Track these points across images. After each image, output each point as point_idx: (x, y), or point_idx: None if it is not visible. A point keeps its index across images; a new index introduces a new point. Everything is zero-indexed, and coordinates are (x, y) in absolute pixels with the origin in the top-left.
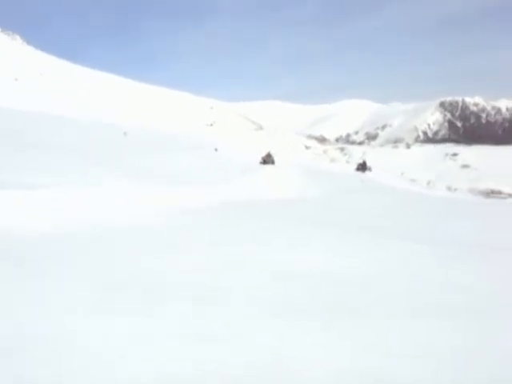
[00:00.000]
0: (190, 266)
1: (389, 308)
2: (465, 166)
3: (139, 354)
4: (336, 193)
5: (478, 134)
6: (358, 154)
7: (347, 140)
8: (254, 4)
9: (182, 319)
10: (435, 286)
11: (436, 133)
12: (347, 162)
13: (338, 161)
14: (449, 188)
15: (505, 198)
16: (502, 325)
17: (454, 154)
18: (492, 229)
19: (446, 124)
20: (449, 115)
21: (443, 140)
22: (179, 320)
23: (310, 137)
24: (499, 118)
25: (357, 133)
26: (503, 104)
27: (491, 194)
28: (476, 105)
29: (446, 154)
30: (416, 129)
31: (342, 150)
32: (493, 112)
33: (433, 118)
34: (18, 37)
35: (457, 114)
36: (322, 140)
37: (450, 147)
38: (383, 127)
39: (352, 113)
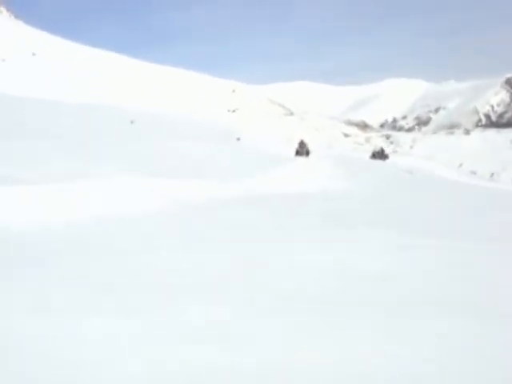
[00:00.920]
0: (190, 265)
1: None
2: None
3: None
4: (378, 188)
5: None
6: (406, 142)
7: (393, 126)
8: None
9: (172, 320)
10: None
11: (501, 115)
12: (394, 151)
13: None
14: None
15: None
16: None
17: None
18: None
19: None
20: None
21: (510, 124)
22: (173, 320)
23: (350, 123)
24: None
25: (405, 117)
26: None
27: None
28: None
29: None
30: (476, 111)
31: (387, 137)
32: None
33: (497, 99)
34: (3, 9)
35: None
36: (363, 126)
37: None
38: (436, 110)
39: (399, 94)
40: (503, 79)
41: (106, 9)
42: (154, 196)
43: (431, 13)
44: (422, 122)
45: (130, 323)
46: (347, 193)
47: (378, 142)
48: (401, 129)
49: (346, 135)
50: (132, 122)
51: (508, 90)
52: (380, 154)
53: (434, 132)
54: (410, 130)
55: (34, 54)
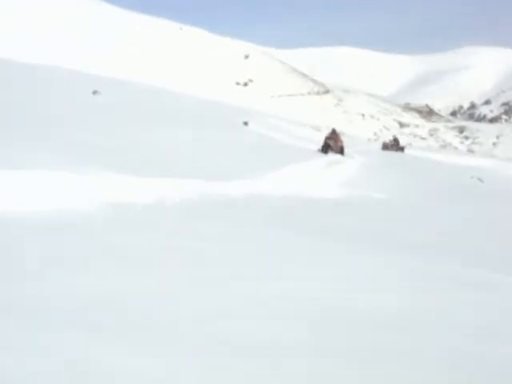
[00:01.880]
0: (122, 288)
1: None
2: None
3: None
4: (424, 199)
5: None
6: (488, 137)
7: (471, 114)
8: None
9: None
10: None
11: None
12: (470, 150)
13: (452, 147)
14: None
15: None
16: None
17: None
18: None
19: None
20: None
21: None
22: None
23: (408, 107)
24: None
25: (488, 102)
26: None
27: None
28: None
29: None
30: None
31: (460, 130)
32: None
33: None
34: None
35: None
36: (427, 113)
37: None
38: None
39: (480, 69)
40: None
41: None
42: (74, 195)
43: None
44: None
45: None
46: (370, 203)
47: (448, 137)
48: (482, 118)
49: (403, 125)
50: (95, 93)
51: None
52: (394, 146)
53: None
54: (494, 120)
55: None
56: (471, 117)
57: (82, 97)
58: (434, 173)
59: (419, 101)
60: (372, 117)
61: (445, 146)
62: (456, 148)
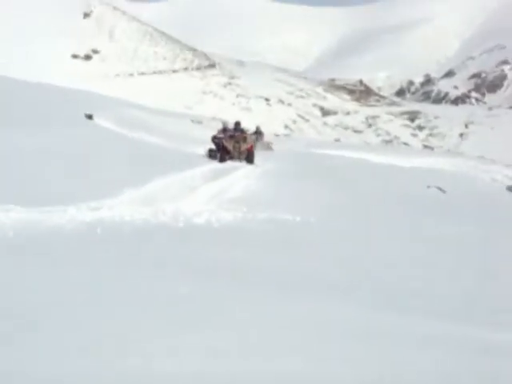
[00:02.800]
0: None
1: None
2: None
3: None
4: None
5: None
6: (453, 125)
7: (426, 93)
8: None
9: None
10: None
11: None
12: (426, 146)
13: (399, 143)
14: None
15: None
16: None
17: None
18: None
19: None
20: None
21: None
22: None
23: (334, 85)
24: None
25: (450, 74)
26: None
27: None
28: None
29: None
30: None
31: (411, 117)
32: None
33: None
34: None
35: None
36: (362, 93)
37: None
38: None
39: (438, 24)
40: None
41: None
42: None
43: None
44: (487, 85)
45: None
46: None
47: (394, 128)
48: (442, 98)
49: (327, 111)
50: None
51: None
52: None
53: None
54: (461, 100)
55: None
56: (427, 97)
57: None
58: (374, 183)
59: (350, 75)
60: (281, 102)
61: (390, 141)
62: (406, 144)
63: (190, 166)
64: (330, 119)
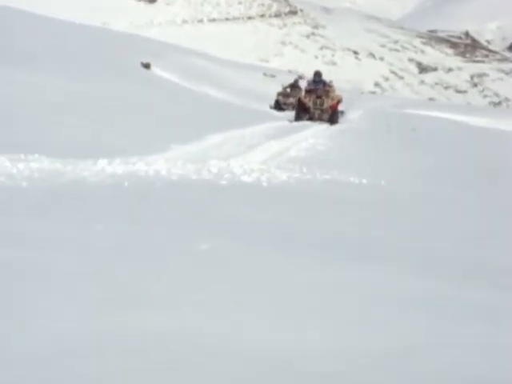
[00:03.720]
0: None
1: None
2: None
3: None
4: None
5: None
6: None
7: None
8: None
9: None
10: None
11: None
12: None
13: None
14: None
15: None
16: None
17: None
18: None
19: None
20: None
21: None
22: None
23: (434, 37)
24: None
25: None
26: None
27: None
28: None
29: None
30: None
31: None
32: None
33: None
34: None
35: None
36: (467, 47)
37: None
38: None
39: None
40: None
41: None
42: None
43: None
44: None
45: None
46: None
47: (504, 87)
48: None
49: (425, 68)
50: None
51: None
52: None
53: None
54: None
55: None
56: None
57: None
58: (466, 149)
59: (453, 26)
60: (372, 55)
61: (498, 103)
62: None
63: (253, 122)
64: (429, 77)
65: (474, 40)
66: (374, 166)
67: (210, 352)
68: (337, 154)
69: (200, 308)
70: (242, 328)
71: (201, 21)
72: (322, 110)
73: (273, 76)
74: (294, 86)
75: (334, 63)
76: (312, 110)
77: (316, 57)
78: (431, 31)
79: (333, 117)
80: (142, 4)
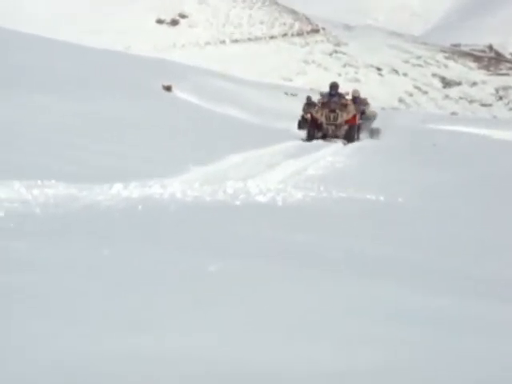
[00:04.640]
0: None
1: None
2: None
3: None
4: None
5: None
6: None
7: None
8: None
9: None
10: None
11: None
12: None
13: None
14: None
15: None
16: None
17: None
18: None
19: None
20: None
21: None
22: None
23: (457, 51)
24: None
25: None
26: None
27: None
28: None
29: None
30: None
31: None
32: None
33: None
34: None
35: None
36: (491, 60)
37: None
38: None
39: None
40: None
41: None
42: None
43: None
44: None
45: None
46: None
47: None
48: None
49: (449, 82)
50: None
51: None
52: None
53: None
54: None
55: None
56: None
57: None
58: (491, 164)
59: (477, 39)
60: (395, 71)
61: None
62: None
63: (272, 142)
64: (453, 91)
65: (497, 53)
66: (393, 182)
67: (223, 375)
68: (355, 172)
69: (212, 331)
70: (254, 350)
71: (223, 42)
72: (336, 126)
73: (294, 95)
74: (310, 104)
75: (357, 80)
76: (325, 125)
77: (339, 74)
78: (454, 45)
79: (350, 133)
80: (164, 27)
